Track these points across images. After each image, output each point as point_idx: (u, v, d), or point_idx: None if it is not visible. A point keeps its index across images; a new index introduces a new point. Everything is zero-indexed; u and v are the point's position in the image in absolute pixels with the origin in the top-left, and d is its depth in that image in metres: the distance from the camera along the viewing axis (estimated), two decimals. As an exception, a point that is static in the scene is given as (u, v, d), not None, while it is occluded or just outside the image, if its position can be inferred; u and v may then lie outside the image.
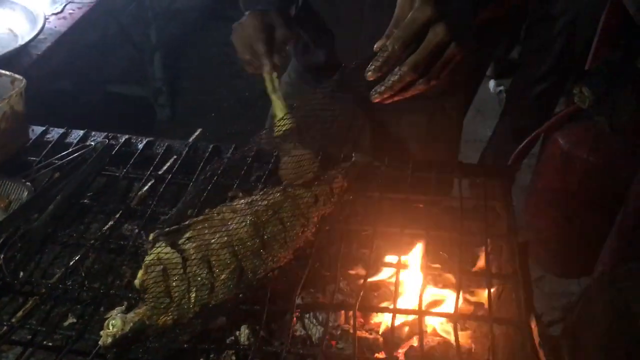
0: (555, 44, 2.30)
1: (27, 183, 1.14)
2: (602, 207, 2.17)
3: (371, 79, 0.89)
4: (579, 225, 2.22)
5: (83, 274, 1.06)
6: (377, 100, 0.91)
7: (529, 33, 2.39)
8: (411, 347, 0.97)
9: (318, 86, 1.42)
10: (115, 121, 1.40)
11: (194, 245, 0.97)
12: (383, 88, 0.89)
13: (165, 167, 1.26)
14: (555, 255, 2.33)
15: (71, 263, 1.07)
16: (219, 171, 1.18)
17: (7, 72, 1.24)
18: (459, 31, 0.89)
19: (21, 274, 1.00)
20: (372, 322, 1.01)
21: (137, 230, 1.14)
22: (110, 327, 0.86)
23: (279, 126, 1.10)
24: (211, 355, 0.94)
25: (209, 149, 1.29)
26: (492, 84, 3.69)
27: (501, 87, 3.64)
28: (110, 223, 1.15)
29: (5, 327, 0.95)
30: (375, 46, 0.90)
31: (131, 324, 0.86)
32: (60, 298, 1.02)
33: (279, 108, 1.21)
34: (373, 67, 0.88)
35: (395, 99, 0.92)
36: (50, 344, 0.96)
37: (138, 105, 1.34)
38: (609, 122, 2.05)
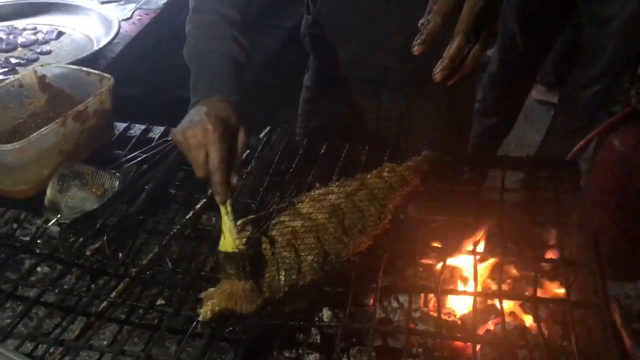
0: (608, 45, 2.30)
1: (117, 174, 1.21)
2: (659, 209, 2.15)
3: (417, 53, 0.93)
4: (634, 228, 2.21)
5: (168, 260, 1.13)
6: (440, 79, 0.93)
7: (582, 35, 2.39)
8: (488, 330, 1.01)
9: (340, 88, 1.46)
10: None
11: (279, 231, 1.03)
12: (445, 62, 0.92)
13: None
14: (610, 259, 2.31)
15: (156, 250, 1.14)
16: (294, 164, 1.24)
17: (96, 71, 1.32)
18: None
19: (120, 255, 1.07)
20: (447, 306, 1.05)
21: (214, 220, 1.20)
22: (209, 303, 0.92)
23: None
24: (298, 334, 0.99)
25: (284, 143, 1.34)
26: (534, 91, 3.68)
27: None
28: (192, 212, 1.22)
29: (105, 303, 1.03)
30: (419, 23, 0.93)
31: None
32: (150, 282, 1.09)
33: (228, 245, 0.95)
34: (419, 40, 0.92)
35: (457, 76, 0.95)
36: (143, 322, 1.03)
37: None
38: (665, 124, 2.04)
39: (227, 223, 0.95)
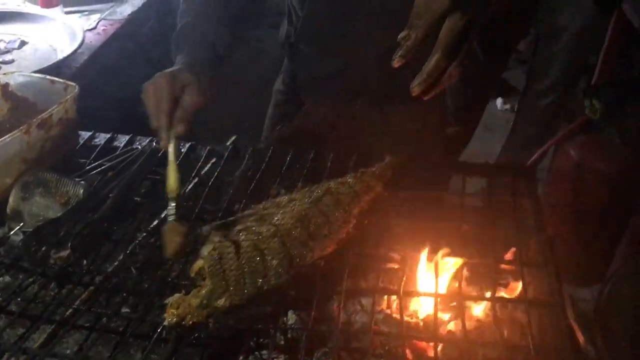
0: (559, 57, 2.39)
1: (81, 182, 1.21)
2: (614, 215, 2.24)
3: (396, 66, 0.96)
4: (590, 234, 2.29)
5: (133, 269, 1.13)
6: (417, 93, 0.97)
7: (536, 48, 2.49)
8: (449, 331, 1.04)
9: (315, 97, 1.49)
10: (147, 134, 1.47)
11: (244, 236, 1.04)
12: (423, 77, 0.95)
13: (206, 168, 1.34)
14: (568, 263, 2.39)
15: (121, 257, 1.14)
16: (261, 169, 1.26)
17: (61, 80, 1.32)
18: (475, 17, 0.96)
19: (84, 262, 1.06)
20: (410, 308, 1.08)
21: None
22: (174, 308, 0.93)
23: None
24: (264, 338, 1.00)
25: (249, 151, 1.36)
26: (499, 102, 3.81)
27: (507, 106, 3.78)
28: (157, 221, 1.22)
29: (70, 310, 1.02)
30: (398, 37, 0.96)
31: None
32: (114, 289, 1.09)
33: (173, 179, 1.09)
34: (399, 54, 0.95)
35: (433, 91, 0.98)
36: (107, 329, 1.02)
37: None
38: (618, 133, 2.13)
39: (170, 167, 1.08)
